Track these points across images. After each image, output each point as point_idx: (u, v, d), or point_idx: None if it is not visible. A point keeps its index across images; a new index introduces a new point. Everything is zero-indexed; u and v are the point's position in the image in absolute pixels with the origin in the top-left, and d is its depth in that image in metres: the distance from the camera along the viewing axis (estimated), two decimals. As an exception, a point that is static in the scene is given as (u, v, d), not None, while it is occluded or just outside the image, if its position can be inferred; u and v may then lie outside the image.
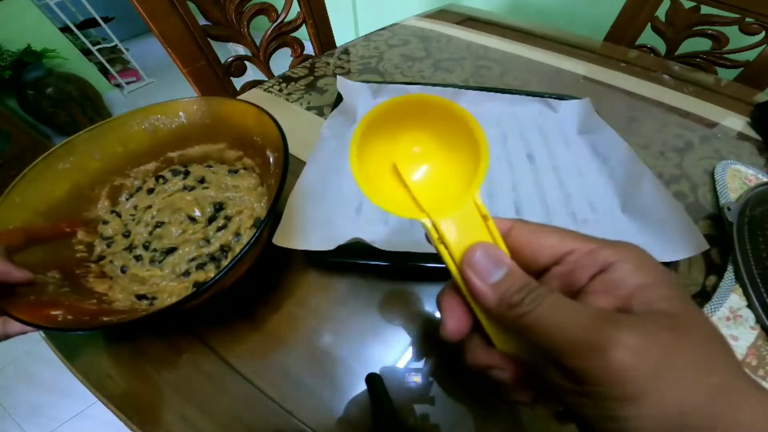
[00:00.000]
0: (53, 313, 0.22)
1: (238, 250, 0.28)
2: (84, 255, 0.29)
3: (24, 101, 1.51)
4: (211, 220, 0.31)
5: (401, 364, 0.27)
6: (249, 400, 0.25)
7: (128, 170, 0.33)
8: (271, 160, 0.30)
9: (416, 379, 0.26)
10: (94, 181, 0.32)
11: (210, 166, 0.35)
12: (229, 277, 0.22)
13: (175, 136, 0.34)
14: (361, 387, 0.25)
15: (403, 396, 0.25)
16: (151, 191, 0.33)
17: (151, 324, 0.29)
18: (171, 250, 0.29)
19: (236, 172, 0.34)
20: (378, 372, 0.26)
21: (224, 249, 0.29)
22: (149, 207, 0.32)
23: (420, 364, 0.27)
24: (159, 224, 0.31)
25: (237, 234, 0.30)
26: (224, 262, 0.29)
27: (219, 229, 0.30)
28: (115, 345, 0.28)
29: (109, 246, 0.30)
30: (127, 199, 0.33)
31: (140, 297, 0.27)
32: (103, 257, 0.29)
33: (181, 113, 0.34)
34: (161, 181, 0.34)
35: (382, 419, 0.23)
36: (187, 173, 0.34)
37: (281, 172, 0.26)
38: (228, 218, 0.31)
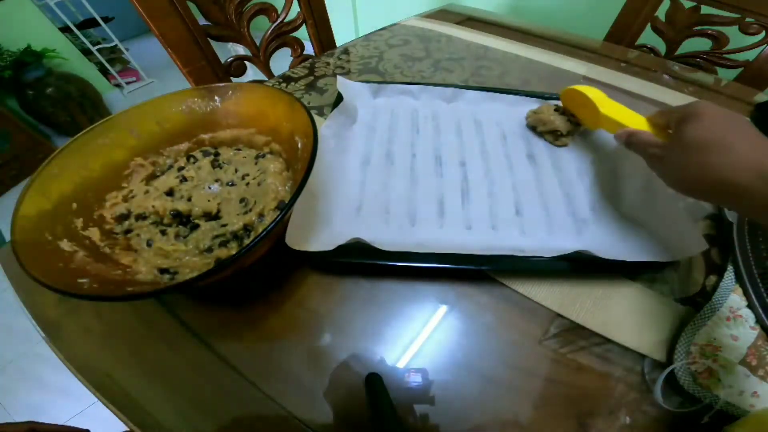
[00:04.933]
0: (80, 280, 0.23)
1: (260, 229, 0.28)
2: (111, 227, 0.30)
3: (24, 101, 1.51)
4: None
5: (401, 364, 0.27)
6: (249, 400, 0.25)
7: (162, 149, 0.35)
8: (299, 145, 0.31)
9: (416, 379, 0.26)
10: (129, 158, 0.33)
11: (239, 149, 0.37)
12: (250, 256, 0.23)
13: (209, 119, 0.36)
14: (361, 387, 0.25)
15: (403, 396, 0.25)
16: (181, 169, 0.35)
17: (168, 298, 0.30)
18: (195, 227, 0.31)
19: (263, 156, 0.36)
20: (378, 372, 0.26)
21: (247, 228, 0.30)
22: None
23: (420, 364, 0.27)
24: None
25: (260, 215, 0.31)
26: (246, 241, 0.29)
27: (245, 211, 0.31)
28: (115, 345, 0.28)
29: (137, 220, 0.31)
30: (158, 176, 0.34)
31: (163, 271, 0.28)
32: (131, 230, 0.30)
33: (216, 97, 0.36)
34: (192, 160, 0.36)
35: (382, 419, 0.23)
36: (217, 154, 0.36)
37: (309, 157, 0.27)
38: (255, 201, 0.32)
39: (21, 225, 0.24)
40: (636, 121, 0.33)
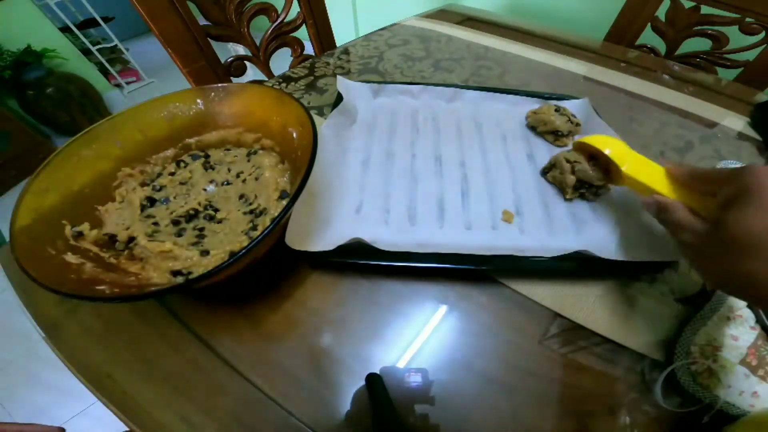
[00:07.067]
0: (99, 287, 0.23)
1: (268, 221, 0.29)
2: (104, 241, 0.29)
3: (24, 101, 1.51)
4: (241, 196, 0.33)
5: (401, 364, 0.27)
6: (249, 400, 0.25)
7: (148, 157, 0.35)
8: (294, 135, 0.31)
9: (416, 379, 0.26)
10: (116, 169, 0.33)
11: (228, 150, 0.37)
12: (261, 247, 0.24)
13: (193, 122, 0.36)
14: (361, 387, 0.25)
15: (403, 396, 0.25)
16: (172, 175, 0.35)
17: (168, 298, 0.30)
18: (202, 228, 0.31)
19: (255, 153, 0.36)
20: (378, 372, 0.26)
21: (253, 223, 0.30)
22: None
23: (420, 364, 0.27)
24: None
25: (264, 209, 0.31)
26: (255, 233, 0.29)
27: (250, 210, 0.31)
28: (115, 345, 0.28)
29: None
30: (149, 183, 0.34)
31: (176, 273, 0.27)
32: (133, 238, 0.30)
33: (198, 100, 0.35)
34: (182, 165, 0.35)
35: (382, 419, 0.23)
36: (207, 156, 0.36)
37: (311, 143, 0.27)
38: (256, 196, 0.33)
39: (20, 242, 0.24)
40: (663, 184, 0.27)
